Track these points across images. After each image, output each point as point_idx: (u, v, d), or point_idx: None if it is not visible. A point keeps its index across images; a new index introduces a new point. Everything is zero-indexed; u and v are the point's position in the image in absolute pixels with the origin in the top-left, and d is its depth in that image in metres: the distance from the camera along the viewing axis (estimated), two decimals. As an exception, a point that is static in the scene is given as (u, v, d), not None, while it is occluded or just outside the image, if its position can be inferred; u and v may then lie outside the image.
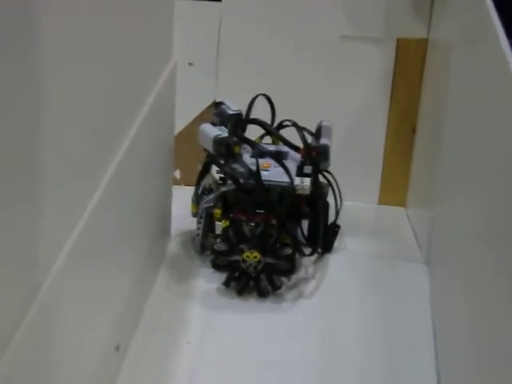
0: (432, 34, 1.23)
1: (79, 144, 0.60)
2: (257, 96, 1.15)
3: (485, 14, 0.79)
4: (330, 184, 1.12)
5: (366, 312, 0.98)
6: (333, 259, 1.12)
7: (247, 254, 0.96)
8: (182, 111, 1.30)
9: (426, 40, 1.24)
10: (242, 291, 0.99)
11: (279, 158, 1.05)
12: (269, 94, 1.28)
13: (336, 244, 1.14)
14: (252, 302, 0.99)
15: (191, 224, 1.11)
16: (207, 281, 1.04)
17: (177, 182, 1.38)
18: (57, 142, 0.54)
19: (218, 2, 1.29)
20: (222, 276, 1.01)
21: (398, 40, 1.25)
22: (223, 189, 1.03)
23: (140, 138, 0.80)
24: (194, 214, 1.08)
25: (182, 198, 1.11)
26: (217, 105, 1.12)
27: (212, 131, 1.04)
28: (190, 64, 1.32)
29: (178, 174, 1.40)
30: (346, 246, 1.16)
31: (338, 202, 1.14)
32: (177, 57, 1.24)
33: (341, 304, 1.00)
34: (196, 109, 1.35)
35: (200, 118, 1.35)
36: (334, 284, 1.05)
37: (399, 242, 1.20)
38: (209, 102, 1.34)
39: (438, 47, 1.18)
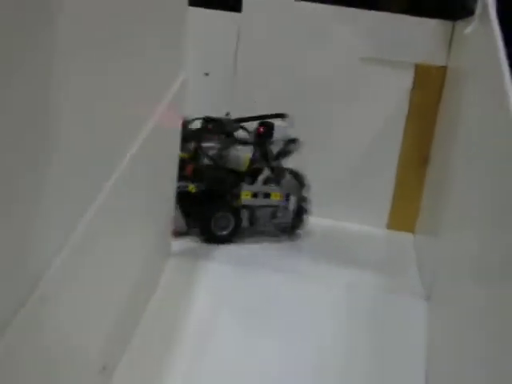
0: (451, 62, 1.21)
1: (90, 145, 0.62)
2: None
3: (494, 50, 0.78)
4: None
5: (357, 345, 0.94)
6: (331, 285, 1.08)
7: None
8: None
9: (445, 68, 1.22)
10: None
11: None
12: (283, 109, 1.27)
13: (337, 269, 1.12)
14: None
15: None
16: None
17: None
18: (67, 140, 0.56)
19: (238, 13, 1.28)
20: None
21: (417, 65, 1.23)
22: None
23: (148, 145, 0.80)
24: None
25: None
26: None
27: None
28: (206, 74, 1.32)
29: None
30: (348, 272, 1.13)
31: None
32: (192, 66, 1.23)
33: (332, 333, 0.96)
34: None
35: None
36: (329, 312, 1.02)
37: (402, 272, 1.17)
38: (223, 113, 1.33)
39: (455, 76, 1.16)
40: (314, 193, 1.30)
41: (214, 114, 1.33)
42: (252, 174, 1.19)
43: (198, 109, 1.32)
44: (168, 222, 1.06)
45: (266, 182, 1.20)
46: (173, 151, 1.04)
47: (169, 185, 1.05)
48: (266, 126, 1.18)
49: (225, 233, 1.17)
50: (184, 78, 0.96)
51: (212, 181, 1.16)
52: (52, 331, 0.59)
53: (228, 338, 0.92)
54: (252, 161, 1.17)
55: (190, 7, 1.23)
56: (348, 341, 0.94)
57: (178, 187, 1.10)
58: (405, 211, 1.30)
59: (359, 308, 1.02)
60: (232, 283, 1.05)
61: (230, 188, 1.17)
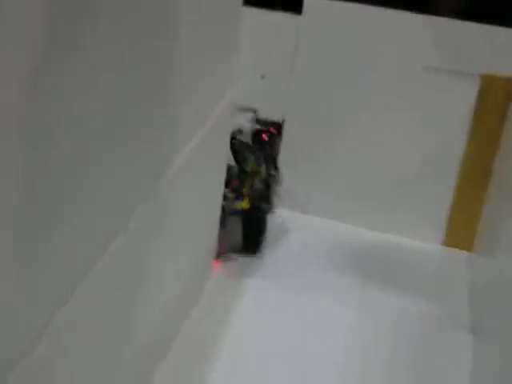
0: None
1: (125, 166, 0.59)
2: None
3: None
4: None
5: (395, 379, 0.90)
6: (372, 312, 1.04)
7: None
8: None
9: (513, 79, 1.15)
10: None
11: None
12: (338, 119, 1.23)
13: (381, 292, 1.08)
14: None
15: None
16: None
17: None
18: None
19: (297, 15, 1.24)
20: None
21: (483, 76, 1.16)
22: None
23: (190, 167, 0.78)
24: None
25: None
26: None
27: None
28: (263, 77, 1.29)
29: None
30: (394, 294, 1.09)
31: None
32: (248, 69, 1.21)
33: (371, 361, 0.93)
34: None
35: (268, 133, 1.31)
36: (368, 339, 0.98)
37: (449, 298, 1.11)
38: (279, 118, 1.30)
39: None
40: (365, 202, 1.26)
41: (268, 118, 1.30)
42: None
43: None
44: (212, 242, 1.04)
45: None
46: (219, 169, 1.01)
47: (214, 204, 1.02)
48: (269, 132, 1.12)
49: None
50: (225, 105, 0.92)
51: (260, 195, 1.12)
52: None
53: (264, 357, 0.90)
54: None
55: (248, 7, 1.20)
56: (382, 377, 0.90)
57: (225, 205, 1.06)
58: (462, 227, 1.24)
59: (399, 339, 0.98)
60: (274, 302, 1.03)
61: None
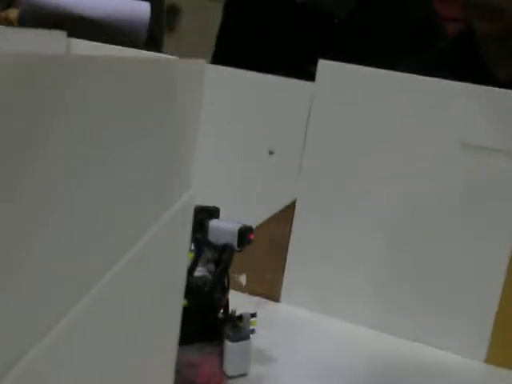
0: None
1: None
2: None
3: None
4: None
5: None
6: None
7: None
8: (256, 208, 1.10)
9: None
10: None
11: None
12: (353, 202, 1.04)
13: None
14: None
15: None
16: None
17: (240, 289, 1.15)
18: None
19: (311, 82, 1.06)
20: None
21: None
22: None
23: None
24: None
25: (247, 308, 0.90)
26: None
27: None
28: (271, 153, 1.10)
29: (243, 279, 1.16)
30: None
31: None
32: (255, 143, 1.04)
33: None
34: (273, 206, 1.12)
35: (277, 219, 1.12)
36: None
37: None
38: (289, 199, 1.11)
39: None
40: (396, 310, 1.04)
41: (277, 200, 1.11)
42: None
43: (259, 192, 1.12)
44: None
45: None
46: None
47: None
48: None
49: None
50: (190, 196, 0.74)
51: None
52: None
53: None
54: None
55: (256, 73, 1.05)
56: None
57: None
58: (508, 343, 1.00)
59: None
60: None
61: None
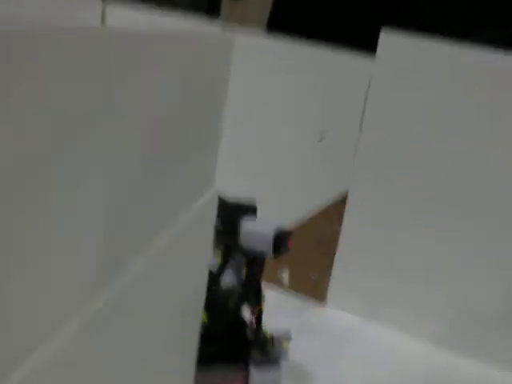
0: None
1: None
2: None
3: None
4: None
5: None
6: None
7: None
8: (302, 201, 0.98)
9: None
10: None
11: None
12: (419, 200, 0.91)
13: None
14: None
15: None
16: None
17: (283, 287, 1.04)
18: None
19: (370, 60, 0.92)
20: None
21: None
22: None
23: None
24: None
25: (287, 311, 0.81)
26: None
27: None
28: (321, 139, 0.97)
29: (286, 276, 1.05)
30: None
31: None
32: (304, 128, 0.93)
33: None
34: (321, 200, 1.00)
35: (326, 214, 1.00)
36: None
37: None
38: (340, 192, 0.98)
39: None
40: (468, 327, 0.91)
41: (325, 192, 0.99)
42: None
43: (309, 182, 1.00)
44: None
45: None
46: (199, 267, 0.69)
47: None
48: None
49: None
50: (212, 194, 0.62)
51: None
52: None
53: None
54: None
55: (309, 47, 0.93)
56: None
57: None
58: None
59: None
60: None
61: None
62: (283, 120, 0.98)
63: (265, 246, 0.69)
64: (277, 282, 1.03)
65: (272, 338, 0.72)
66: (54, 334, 0.43)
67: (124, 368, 0.56)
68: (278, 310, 0.93)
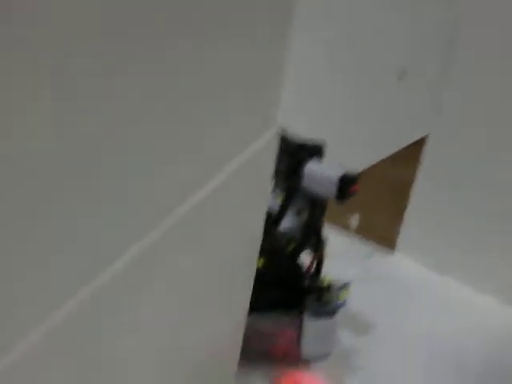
0: None
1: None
2: None
3: None
4: None
5: None
6: None
7: None
8: (376, 142, 0.92)
9: None
10: None
11: None
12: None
13: None
14: None
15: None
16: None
17: (351, 231, 1.00)
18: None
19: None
20: None
21: None
22: None
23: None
24: None
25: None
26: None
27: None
28: (401, 76, 0.90)
29: (355, 220, 1.00)
30: None
31: None
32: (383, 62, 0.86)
33: None
34: (397, 142, 0.93)
35: (401, 157, 0.94)
36: None
37: None
38: (419, 134, 0.91)
39: None
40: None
41: (402, 134, 0.92)
42: None
43: (385, 123, 0.94)
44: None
45: None
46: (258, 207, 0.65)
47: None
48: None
49: None
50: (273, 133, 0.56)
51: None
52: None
53: None
54: None
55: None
56: None
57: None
58: None
59: None
60: None
61: None
62: (357, 55, 0.91)
63: (328, 190, 0.64)
64: (345, 226, 0.99)
65: (329, 287, 0.69)
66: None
67: (175, 312, 0.54)
68: (344, 255, 0.90)
